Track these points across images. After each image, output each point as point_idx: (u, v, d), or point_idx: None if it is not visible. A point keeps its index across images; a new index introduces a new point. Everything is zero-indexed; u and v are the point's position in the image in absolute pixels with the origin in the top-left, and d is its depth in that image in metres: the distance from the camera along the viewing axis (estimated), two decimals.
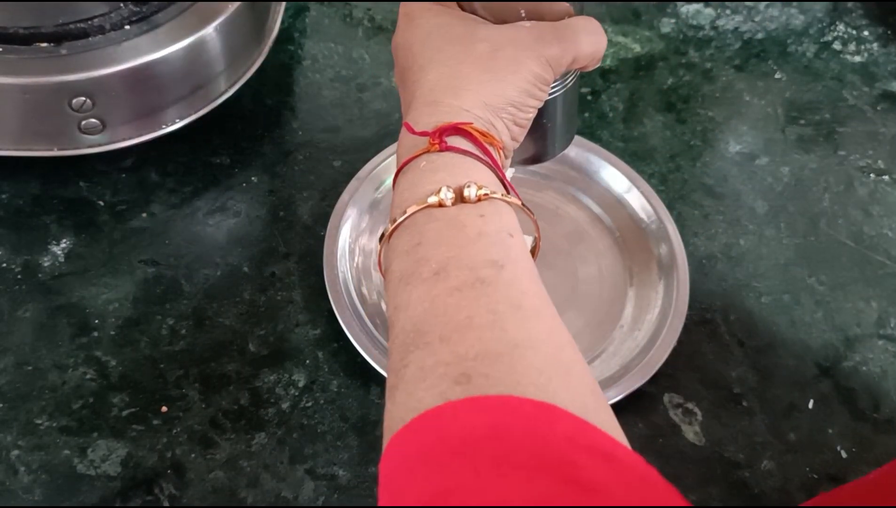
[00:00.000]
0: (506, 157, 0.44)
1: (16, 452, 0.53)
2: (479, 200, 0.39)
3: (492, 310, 0.36)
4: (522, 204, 0.42)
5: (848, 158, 0.73)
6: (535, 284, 0.39)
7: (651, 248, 0.64)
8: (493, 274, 0.37)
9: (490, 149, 0.42)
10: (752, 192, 0.70)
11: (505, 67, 0.43)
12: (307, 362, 0.58)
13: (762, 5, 0.84)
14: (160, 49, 0.61)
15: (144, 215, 0.65)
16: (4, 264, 0.61)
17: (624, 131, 0.73)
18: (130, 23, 0.61)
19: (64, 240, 0.63)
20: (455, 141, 0.41)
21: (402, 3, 0.47)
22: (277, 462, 0.54)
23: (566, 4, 0.45)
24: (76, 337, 0.58)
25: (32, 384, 0.56)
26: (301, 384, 0.57)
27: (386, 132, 0.70)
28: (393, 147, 0.66)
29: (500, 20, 0.45)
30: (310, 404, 0.57)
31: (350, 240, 0.62)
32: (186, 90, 0.64)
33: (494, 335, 0.35)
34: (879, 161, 0.73)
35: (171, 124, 0.64)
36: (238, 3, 0.64)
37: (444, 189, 0.39)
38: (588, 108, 0.74)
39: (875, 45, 0.82)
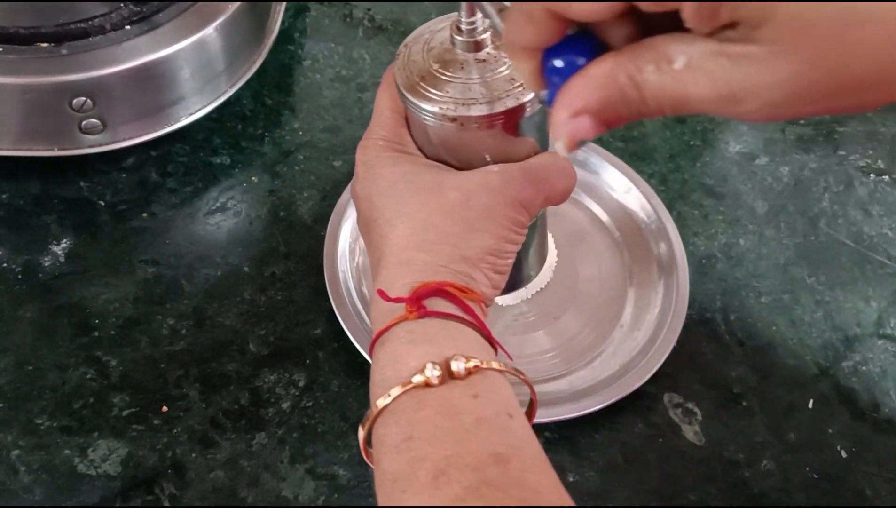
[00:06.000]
0: (486, 306, 0.42)
1: (16, 452, 0.53)
2: (469, 373, 0.36)
3: None
4: (515, 369, 0.38)
5: (848, 158, 0.73)
6: (544, 473, 0.35)
7: (651, 248, 0.64)
8: (498, 473, 0.33)
9: (472, 305, 0.39)
10: (751, 192, 0.70)
11: (479, 216, 0.40)
12: (307, 361, 0.58)
13: None
14: (160, 49, 0.61)
15: (145, 214, 0.65)
16: (5, 264, 0.61)
17: (624, 131, 0.73)
18: (131, 23, 0.61)
19: (64, 240, 0.63)
20: (434, 304, 0.38)
21: (358, 151, 0.44)
22: (278, 462, 0.54)
23: (531, 140, 0.43)
24: (76, 337, 0.58)
25: (33, 384, 0.56)
26: (301, 384, 0.57)
27: None
28: None
29: (466, 165, 0.43)
30: (310, 403, 0.57)
31: (350, 240, 0.62)
32: (187, 90, 0.64)
33: None
34: (879, 161, 0.73)
35: (172, 124, 0.64)
36: (238, 3, 0.64)
37: (429, 366, 0.36)
38: None
39: None
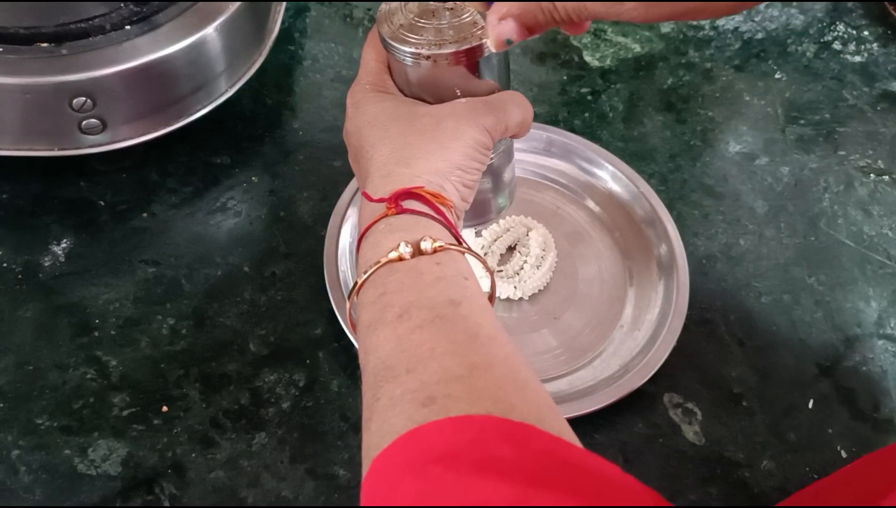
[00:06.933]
0: (458, 217, 0.48)
1: (16, 452, 0.54)
2: (435, 251, 0.43)
3: (451, 340, 0.40)
4: (475, 253, 0.46)
5: (848, 158, 0.73)
6: (489, 317, 0.42)
7: (651, 248, 0.64)
8: (451, 311, 0.41)
9: (442, 209, 0.46)
10: (752, 192, 0.70)
11: (448, 136, 0.47)
12: (307, 361, 0.58)
13: (762, 5, 0.84)
14: (161, 49, 0.61)
15: (145, 214, 0.65)
16: (5, 264, 0.61)
17: (624, 131, 0.73)
18: (131, 23, 0.61)
19: (64, 240, 0.63)
20: (410, 204, 0.45)
21: (348, 95, 0.51)
22: (278, 462, 0.54)
23: (493, 82, 0.50)
24: (77, 337, 0.58)
25: (33, 384, 0.56)
26: (301, 384, 0.57)
27: None
28: None
29: (439, 100, 0.50)
30: (310, 403, 0.57)
31: (350, 240, 0.62)
32: (187, 90, 0.64)
33: (455, 360, 0.39)
34: (879, 161, 0.73)
35: (172, 124, 0.64)
36: (238, 3, 0.64)
37: (402, 244, 0.43)
38: (588, 108, 0.75)
39: (875, 45, 0.82)
